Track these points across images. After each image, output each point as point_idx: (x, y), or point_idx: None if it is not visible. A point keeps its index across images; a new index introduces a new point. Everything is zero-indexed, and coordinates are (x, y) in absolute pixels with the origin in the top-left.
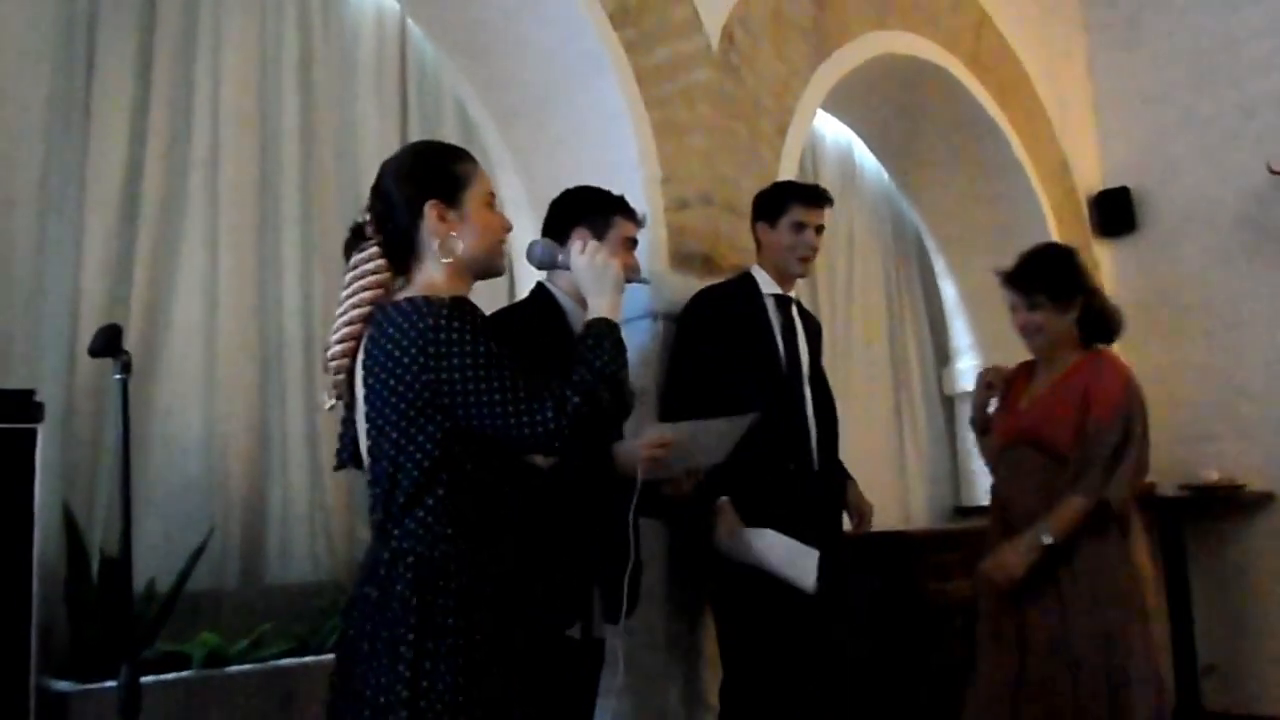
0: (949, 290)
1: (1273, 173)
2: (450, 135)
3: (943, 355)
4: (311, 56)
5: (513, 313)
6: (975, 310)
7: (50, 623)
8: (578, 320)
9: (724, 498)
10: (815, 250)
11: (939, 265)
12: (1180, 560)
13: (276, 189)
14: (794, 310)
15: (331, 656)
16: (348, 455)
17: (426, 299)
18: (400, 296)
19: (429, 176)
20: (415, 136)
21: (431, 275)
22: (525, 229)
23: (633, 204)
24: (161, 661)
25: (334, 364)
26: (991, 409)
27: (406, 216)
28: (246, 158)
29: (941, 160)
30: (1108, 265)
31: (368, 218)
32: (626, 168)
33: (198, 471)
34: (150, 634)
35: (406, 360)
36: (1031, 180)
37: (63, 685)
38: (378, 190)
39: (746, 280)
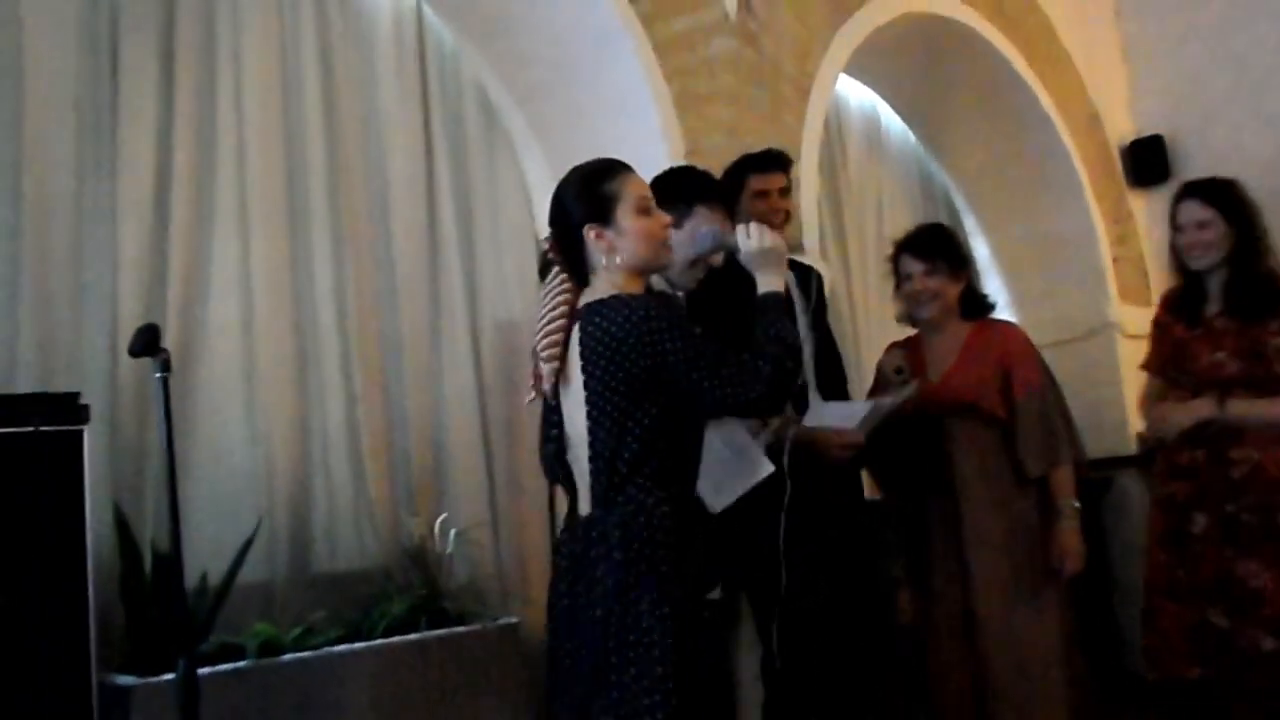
0: (980, 249)
1: None
2: (471, 119)
3: None
4: (331, 47)
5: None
6: (1007, 268)
7: (108, 619)
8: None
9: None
10: (785, 212)
11: (969, 224)
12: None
13: (304, 180)
14: (789, 276)
15: (382, 641)
16: (554, 447)
17: (631, 295)
18: (596, 298)
19: (582, 201)
20: (437, 122)
21: (612, 280)
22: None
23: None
24: (218, 653)
25: (547, 366)
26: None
27: (573, 240)
28: (272, 151)
29: (968, 118)
30: (1141, 217)
31: (546, 245)
32: (650, 141)
33: (242, 465)
34: (205, 626)
35: (625, 349)
36: (1061, 134)
37: (124, 679)
38: (551, 221)
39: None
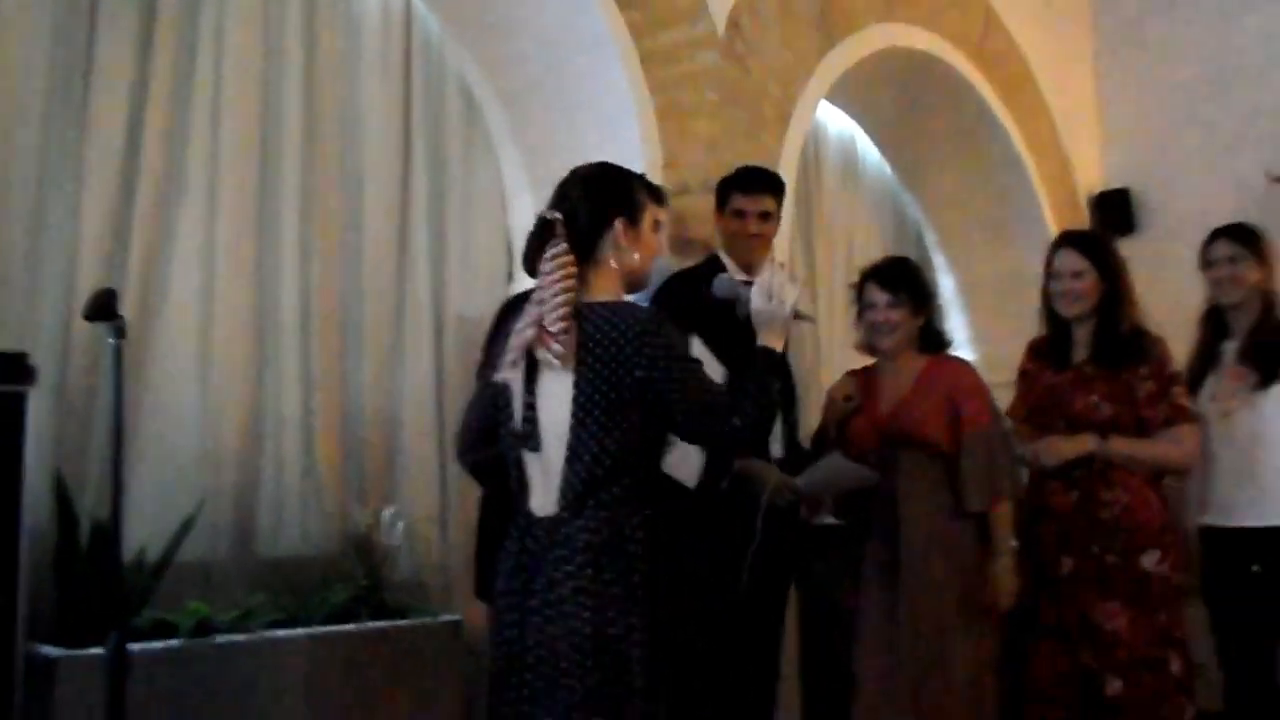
0: (947, 284)
1: (1273, 180)
2: (453, 114)
3: None
4: (315, 29)
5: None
6: (973, 305)
7: (39, 588)
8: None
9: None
10: (760, 236)
11: (938, 260)
12: None
13: (278, 165)
14: None
15: (320, 629)
16: (528, 433)
17: (639, 306)
18: (602, 299)
19: (620, 195)
20: (417, 113)
21: (604, 280)
22: (527, 210)
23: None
24: (150, 630)
25: (557, 344)
26: None
27: (594, 225)
28: (248, 133)
29: (944, 155)
30: None
31: (556, 215)
32: (629, 150)
33: (191, 442)
34: (139, 602)
35: (622, 357)
36: (1032, 178)
37: (51, 651)
38: (569, 194)
39: (713, 262)
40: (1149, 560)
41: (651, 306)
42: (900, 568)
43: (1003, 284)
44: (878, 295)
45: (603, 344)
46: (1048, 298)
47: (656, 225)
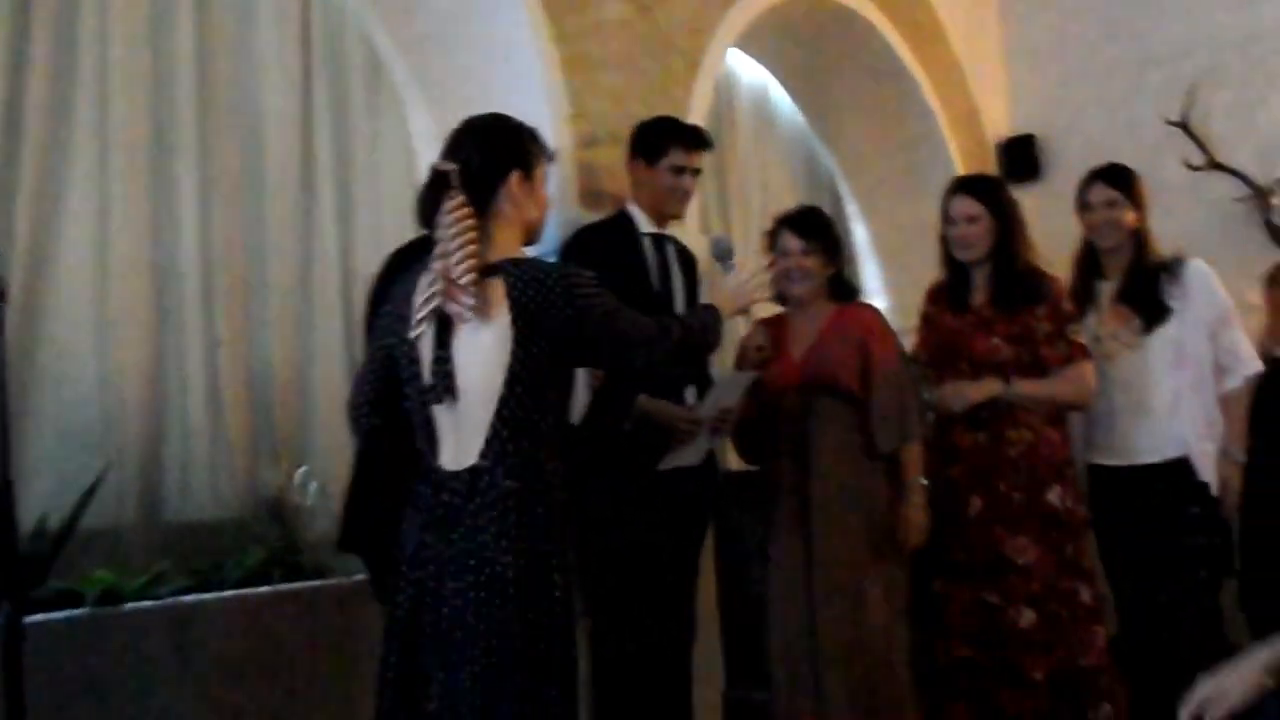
0: (860, 233)
1: (1168, 124)
2: (356, 67)
3: None
4: None
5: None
6: (885, 253)
7: None
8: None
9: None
10: (690, 194)
11: (851, 208)
12: None
13: (171, 120)
14: (670, 249)
15: (233, 592)
16: (445, 387)
17: (550, 260)
18: (510, 256)
19: (516, 147)
20: (318, 69)
21: (504, 233)
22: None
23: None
24: (53, 600)
25: (474, 292)
26: None
27: (490, 177)
28: (138, 88)
29: (855, 104)
30: None
31: (452, 168)
32: (536, 102)
33: (92, 405)
34: (41, 572)
35: (550, 301)
36: (942, 126)
37: None
38: (464, 146)
39: (623, 218)
40: (1054, 495)
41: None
42: (812, 513)
43: (914, 232)
44: (791, 242)
45: (529, 295)
46: (945, 243)
47: (545, 180)
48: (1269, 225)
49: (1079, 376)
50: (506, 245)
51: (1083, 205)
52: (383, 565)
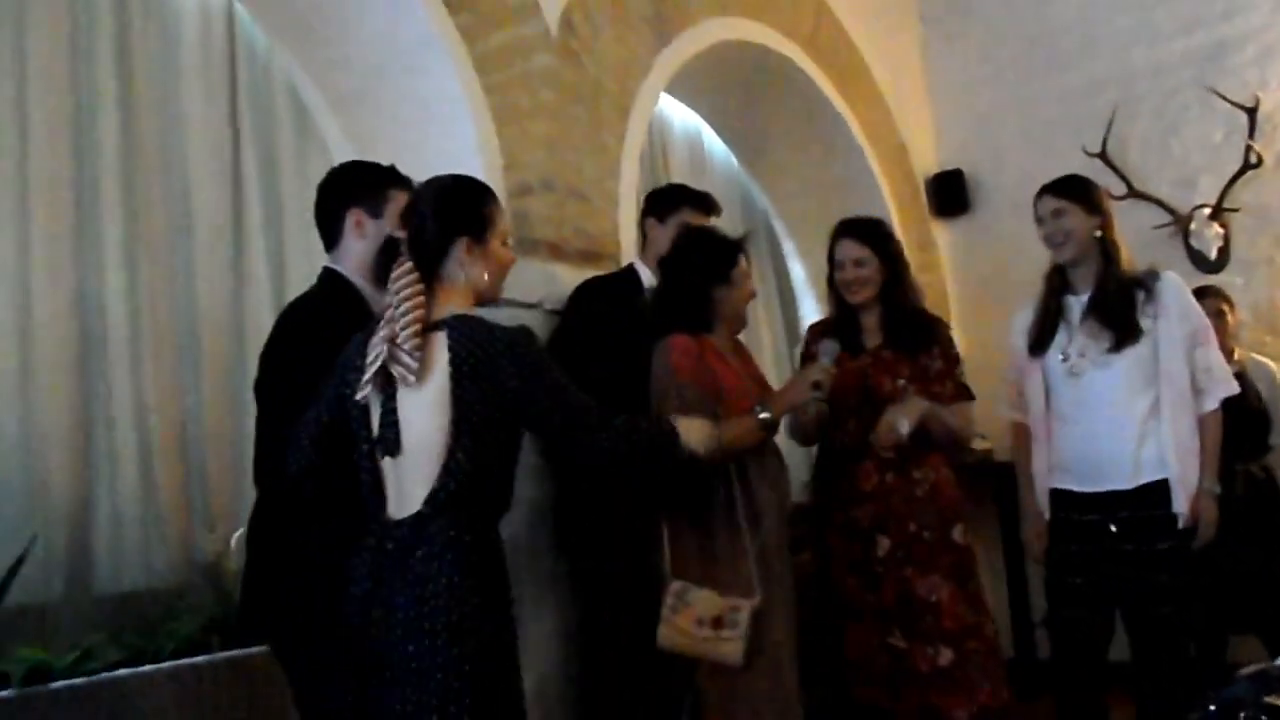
0: (798, 271)
1: (1088, 155)
2: (283, 121)
3: (794, 334)
4: (129, 41)
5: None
6: (823, 290)
7: None
8: (372, 298)
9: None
10: None
11: (788, 247)
12: (1014, 521)
13: (95, 180)
14: None
15: (169, 664)
16: (393, 439)
17: (497, 324)
18: (461, 313)
19: (464, 215)
20: (245, 123)
21: (452, 297)
22: None
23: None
24: None
25: (416, 354)
26: None
27: (439, 244)
28: (60, 149)
29: (786, 145)
30: (943, 245)
31: (399, 234)
32: (467, 154)
33: (16, 476)
34: None
35: (494, 369)
36: (872, 163)
37: None
38: (415, 214)
39: (629, 274)
40: (957, 533)
41: (519, 326)
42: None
43: None
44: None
45: (476, 355)
46: (834, 287)
47: (506, 238)
48: (1189, 249)
49: (966, 415)
50: (454, 309)
51: (1037, 221)
52: (303, 621)
